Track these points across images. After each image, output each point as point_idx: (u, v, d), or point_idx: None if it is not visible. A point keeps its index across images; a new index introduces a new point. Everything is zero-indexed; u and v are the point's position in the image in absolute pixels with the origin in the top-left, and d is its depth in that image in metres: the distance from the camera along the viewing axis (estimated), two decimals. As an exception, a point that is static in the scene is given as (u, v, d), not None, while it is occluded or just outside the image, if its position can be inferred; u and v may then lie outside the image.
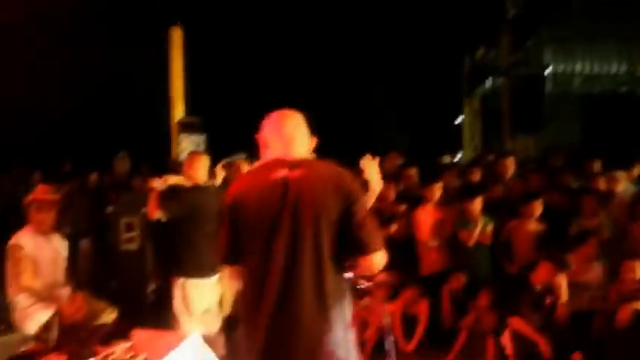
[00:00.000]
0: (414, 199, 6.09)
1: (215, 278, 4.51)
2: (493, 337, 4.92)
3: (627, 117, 11.02)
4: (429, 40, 13.40)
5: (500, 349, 4.83)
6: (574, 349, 4.70)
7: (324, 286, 2.23)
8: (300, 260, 2.21)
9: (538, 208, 5.60)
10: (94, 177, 7.17)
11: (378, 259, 2.31)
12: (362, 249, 2.27)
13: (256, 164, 2.54)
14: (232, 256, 2.33)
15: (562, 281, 4.93)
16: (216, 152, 8.17)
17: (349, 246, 2.27)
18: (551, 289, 4.91)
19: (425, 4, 12.74)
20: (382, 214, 5.77)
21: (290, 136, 2.43)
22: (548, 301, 4.88)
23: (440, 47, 13.51)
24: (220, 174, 5.04)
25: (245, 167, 5.47)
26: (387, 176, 6.42)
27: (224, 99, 10.45)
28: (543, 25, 11.43)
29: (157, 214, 4.43)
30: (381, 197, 5.85)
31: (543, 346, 4.58)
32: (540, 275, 4.88)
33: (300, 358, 2.20)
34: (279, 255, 2.22)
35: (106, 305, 4.31)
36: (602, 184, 5.99)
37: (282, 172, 2.29)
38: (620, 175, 6.10)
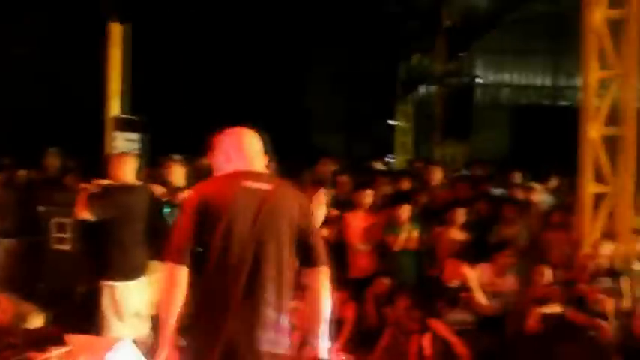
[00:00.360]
0: (346, 205, 6.29)
1: (144, 280, 4.48)
2: (416, 337, 5.17)
3: (550, 127, 11.64)
4: (365, 44, 13.70)
5: (420, 350, 5.09)
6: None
7: (283, 291, 2.47)
8: (264, 266, 2.42)
9: (461, 216, 5.92)
10: (22, 173, 6.96)
11: (326, 272, 2.55)
12: (314, 261, 2.51)
13: (220, 173, 2.67)
14: (186, 257, 2.41)
15: (470, 273, 5.20)
16: (158, 152, 8.15)
17: (303, 258, 2.52)
18: (464, 286, 5.21)
19: (364, 8, 13.00)
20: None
21: (252, 153, 2.62)
22: (463, 295, 5.18)
23: (376, 51, 13.84)
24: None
25: (179, 169, 5.51)
26: (321, 181, 6.64)
27: (167, 98, 10.36)
28: (476, 38, 11.92)
29: (84, 214, 4.44)
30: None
31: (459, 347, 4.86)
32: (449, 272, 5.16)
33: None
34: (246, 260, 2.40)
35: (33, 307, 4.24)
36: (520, 195, 6.38)
37: (255, 184, 2.49)
38: (536, 186, 6.52)
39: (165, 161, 5.63)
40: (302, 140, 13.99)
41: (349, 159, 9.66)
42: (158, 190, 4.97)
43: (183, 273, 2.36)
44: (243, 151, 2.61)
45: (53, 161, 7.13)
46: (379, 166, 8.42)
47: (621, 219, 5.58)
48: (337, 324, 5.53)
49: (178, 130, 10.27)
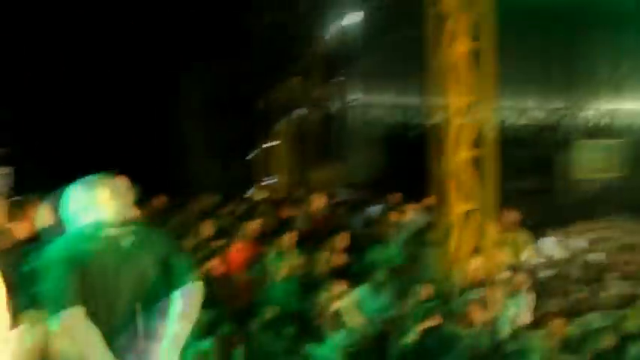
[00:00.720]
0: (229, 235, 6.25)
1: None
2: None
3: (419, 148, 12.20)
4: (240, 67, 13.68)
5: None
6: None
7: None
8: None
9: (342, 241, 6.09)
10: None
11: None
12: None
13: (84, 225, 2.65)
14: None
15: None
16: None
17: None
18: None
19: (240, 31, 13.04)
20: (200, 250, 5.88)
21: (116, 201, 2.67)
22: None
23: (251, 74, 13.87)
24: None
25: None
26: (204, 215, 6.56)
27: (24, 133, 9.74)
28: (352, 61, 12.30)
29: None
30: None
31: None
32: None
33: None
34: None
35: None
36: (394, 216, 6.69)
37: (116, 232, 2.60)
38: (409, 207, 6.86)
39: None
40: (179, 167, 13.69)
41: (227, 184, 9.59)
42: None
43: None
44: (107, 200, 2.66)
45: None
46: (259, 194, 8.46)
47: (487, 234, 5.98)
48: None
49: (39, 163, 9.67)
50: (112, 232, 2.60)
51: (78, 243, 2.57)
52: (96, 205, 2.64)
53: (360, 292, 5.69)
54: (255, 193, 8.13)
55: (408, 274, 5.87)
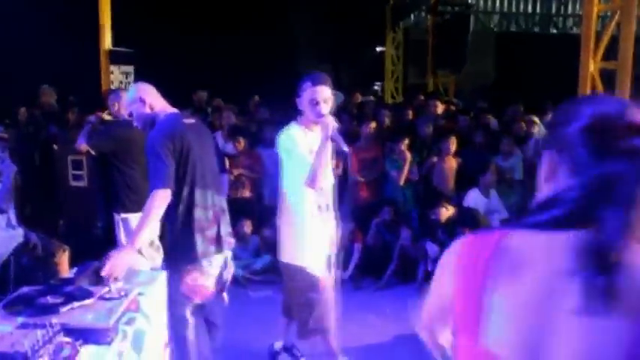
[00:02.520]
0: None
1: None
2: (421, 263, 5.47)
3: (538, 56, 11.71)
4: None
5: (428, 274, 5.40)
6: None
7: None
8: None
9: (453, 144, 6.13)
10: (22, 111, 6.95)
11: None
12: None
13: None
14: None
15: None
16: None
17: None
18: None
19: None
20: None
21: None
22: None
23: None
24: None
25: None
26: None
27: (150, 31, 10.15)
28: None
29: (83, 147, 4.61)
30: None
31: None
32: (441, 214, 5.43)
33: None
34: None
35: (59, 244, 4.37)
36: (520, 127, 6.56)
37: None
38: (536, 119, 6.69)
39: None
40: (288, 69, 13.86)
41: (337, 87, 9.69)
42: None
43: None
44: None
45: (49, 96, 7.12)
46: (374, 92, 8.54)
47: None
48: (346, 253, 5.86)
49: (163, 63, 10.14)
50: None
51: None
52: None
53: (472, 194, 5.80)
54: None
55: (529, 187, 5.86)
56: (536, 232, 0.98)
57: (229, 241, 3.54)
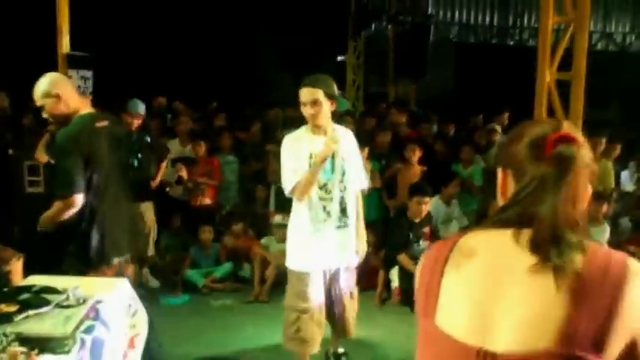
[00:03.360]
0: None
1: None
2: (383, 272, 5.50)
3: (496, 67, 11.97)
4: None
5: (388, 283, 5.43)
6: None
7: None
8: None
9: (418, 152, 6.22)
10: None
11: None
12: None
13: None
14: None
15: (426, 207, 5.52)
16: (102, 90, 7.96)
17: None
18: (427, 219, 5.54)
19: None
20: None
21: None
22: (426, 230, 5.52)
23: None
24: None
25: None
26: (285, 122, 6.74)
27: (110, 33, 9.98)
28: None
29: (43, 158, 4.53)
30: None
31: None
32: (412, 210, 5.46)
33: None
34: None
35: (12, 252, 4.24)
36: (481, 136, 6.70)
37: None
38: (498, 127, 6.84)
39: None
40: (248, 76, 13.80)
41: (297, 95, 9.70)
42: None
43: None
44: None
45: (1, 102, 6.96)
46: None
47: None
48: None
49: (122, 68, 9.99)
50: None
51: None
52: None
53: (434, 201, 5.87)
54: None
55: (489, 193, 5.97)
56: (488, 231, 1.17)
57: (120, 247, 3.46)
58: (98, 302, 2.75)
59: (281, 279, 5.60)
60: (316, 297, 3.47)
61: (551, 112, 5.89)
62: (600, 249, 1.10)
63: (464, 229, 1.28)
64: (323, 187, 3.40)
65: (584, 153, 1.16)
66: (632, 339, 1.03)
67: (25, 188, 5.32)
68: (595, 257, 1.06)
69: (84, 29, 8.08)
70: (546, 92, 5.81)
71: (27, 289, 2.74)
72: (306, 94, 3.34)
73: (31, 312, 2.41)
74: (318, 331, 3.49)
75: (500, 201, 1.25)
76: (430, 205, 5.56)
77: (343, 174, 3.44)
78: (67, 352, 2.30)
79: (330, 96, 3.37)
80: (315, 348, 3.53)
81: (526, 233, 1.11)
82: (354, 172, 3.52)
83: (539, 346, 1.01)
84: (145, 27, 10.78)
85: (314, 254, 3.45)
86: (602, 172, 6.41)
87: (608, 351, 1.01)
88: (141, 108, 5.37)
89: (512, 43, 13.56)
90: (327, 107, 3.36)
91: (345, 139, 3.50)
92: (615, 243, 5.52)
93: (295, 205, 3.49)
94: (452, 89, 12.66)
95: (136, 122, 5.33)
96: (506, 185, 1.23)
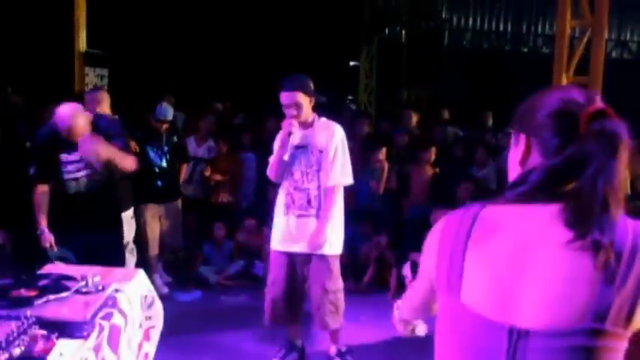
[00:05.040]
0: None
1: (130, 212, 4.68)
2: (395, 269, 5.50)
3: (510, 73, 11.95)
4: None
5: (402, 280, 5.43)
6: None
7: None
8: None
9: (433, 154, 6.22)
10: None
11: None
12: None
13: None
14: None
15: None
16: (118, 87, 8.03)
17: None
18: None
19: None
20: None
21: None
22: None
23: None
24: None
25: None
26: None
27: (125, 32, 10.05)
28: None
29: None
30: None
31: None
32: (437, 219, 5.45)
33: None
34: None
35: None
36: (493, 139, 6.68)
37: None
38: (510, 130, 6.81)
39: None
40: (264, 81, 13.84)
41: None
42: None
43: None
44: None
45: (15, 98, 7.04)
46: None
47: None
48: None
49: (138, 66, 10.06)
50: None
51: None
52: None
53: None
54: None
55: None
56: (512, 204, 1.12)
57: None
58: (116, 291, 2.76)
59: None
60: (279, 273, 3.76)
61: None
62: (628, 221, 1.07)
63: (483, 201, 1.17)
64: (291, 175, 3.63)
65: (625, 129, 1.10)
66: None
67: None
68: (626, 232, 1.04)
69: (101, 27, 8.17)
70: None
71: (46, 276, 2.76)
72: (286, 97, 3.59)
73: (51, 297, 2.42)
74: (281, 306, 3.78)
75: (518, 169, 1.19)
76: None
77: (312, 166, 3.61)
78: (86, 336, 2.30)
79: (308, 94, 3.62)
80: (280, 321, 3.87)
81: (562, 208, 1.06)
82: (332, 167, 3.62)
83: (572, 322, 0.99)
84: (161, 25, 10.86)
85: (280, 234, 3.73)
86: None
87: (634, 323, 1.00)
88: (169, 113, 5.44)
89: (526, 50, 13.53)
90: (307, 105, 3.62)
91: (328, 132, 3.66)
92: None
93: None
94: (465, 95, 12.64)
95: (165, 126, 5.41)
96: (528, 154, 1.16)
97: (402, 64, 11.89)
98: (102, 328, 2.44)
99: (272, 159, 3.69)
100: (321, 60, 14.76)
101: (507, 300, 1.04)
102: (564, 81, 5.74)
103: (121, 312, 2.72)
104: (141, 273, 3.26)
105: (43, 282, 2.57)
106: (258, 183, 6.66)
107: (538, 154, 1.13)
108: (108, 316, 2.55)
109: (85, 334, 2.31)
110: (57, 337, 2.22)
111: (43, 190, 3.85)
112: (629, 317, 0.99)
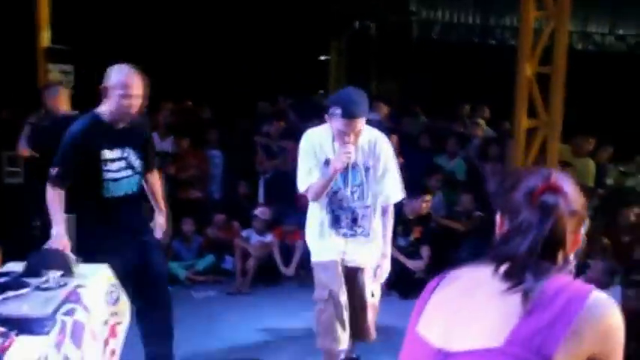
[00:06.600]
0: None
1: None
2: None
3: (478, 65, 12.04)
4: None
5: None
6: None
7: None
8: None
9: (394, 141, 6.24)
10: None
11: None
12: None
13: None
14: None
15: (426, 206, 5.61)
16: (82, 83, 7.89)
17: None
18: (425, 219, 5.61)
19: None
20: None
21: None
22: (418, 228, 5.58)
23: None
24: None
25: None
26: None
27: (91, 27, 9.88)
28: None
29: (26, 151, 4.50)
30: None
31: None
32: (412, 206, 5.52)
33: None
34: None
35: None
36: (462, 128, 6.75)
37: None
38: (480, 121, 6.89)
39: None
40: (231, 76, 13.78)
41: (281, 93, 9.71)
42: None
43: None
44: None
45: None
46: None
47: (551, 151, 6.01)
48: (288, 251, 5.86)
49: (104, 62, 9.90)
50: None
51: None
52: None
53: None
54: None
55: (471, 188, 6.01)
56: (477, 266, 1.34)
57: None
58: (79, 286, 2.73)
59: (261, 271, 5.67)
60: (336, 285, 3.27)
61: (531, 106, 5.95)
62: (569, 279, 1.25)
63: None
64: (334, 195, 3.24)
65: (570, 201, 1.29)
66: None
67: (3, 179, 5.26)
68: (557, 281, 1.22)
69: (65, 23, 8.01)
70: (527, 86, 5.87)
71: (5, 274, 2.71)
72: (349, 125, 3.04)
73: (10, 293, 2.38)
74: (340, 325, 3.29)
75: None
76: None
77: (359, 184, 3.24)
78: (47, 332, 2.27)
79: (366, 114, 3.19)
80: (339, 343, 3.30)
81: (504, 267, 1.27)
82: (382, 184, 3.29)
83: (487, 344, 1.19)
84: (126, 20, 10.69)
85: (328, 243, 3.32)
86: (582, 170, 6.48)
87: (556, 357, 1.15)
88: None
89: (493, 42, 13.66)
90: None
91: (373, 145, 3.25)
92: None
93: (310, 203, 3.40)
94: (434, 86, 12.71)
95: None
96: (502, 227, 1.37)
97: (372, 58, 11.91)
98: (64, 324, 2.40)
99: (311, 177, 3.20)
100: (291, 55, 14.76)
101: (446, 330, 1.28)
102: (528, 71, 5.81)
103: (85, 308, 2.68)
104: (105, 268, 3.22)
105: (1, 279, 2.52)
106: (226, 179, 6.64)
107: (506, 227, 1.35)
108: (70, 312, 2.52)
109: (45, 330, 2.28)
110: (16, 334, 2.18)
111: (61, 192, 3.34)
112: (544, 351, 1.14)
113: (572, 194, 1.31)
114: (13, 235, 4.66)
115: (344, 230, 3.28)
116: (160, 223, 3.69)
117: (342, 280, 3.29)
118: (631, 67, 11.76)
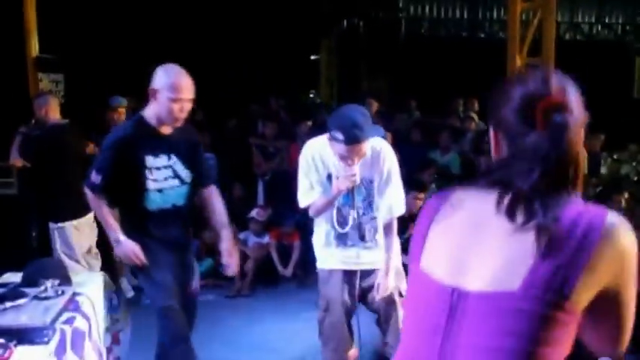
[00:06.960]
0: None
1: (91, 216, 4.44)
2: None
3: (468, 59, 12.06)
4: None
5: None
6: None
7: None
8: None
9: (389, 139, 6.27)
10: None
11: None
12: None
13: None
14: None
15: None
16: (72, 92, 7.87)
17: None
18: (415, 217, 5.59)
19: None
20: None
21: None
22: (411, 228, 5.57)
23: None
24: None
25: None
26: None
27: (80, 36, 9.84)
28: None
29: (19, 161, 4.48)
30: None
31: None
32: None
33: None
34: None
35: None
36: (457, 122, 6.77)
37: None
38: (473, 115, 6.92)
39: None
40: (223, 78, 13.75)
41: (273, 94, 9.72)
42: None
43: None
44: None
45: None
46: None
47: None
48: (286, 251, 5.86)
49: (95, 71, 9.87)
50: None
51: None
52: None
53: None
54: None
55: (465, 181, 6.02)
56: (477, 189, 1.23)
57: None
58: (77, 294, 2.72)
59: (260, 272, 5.66)
60: (335, 296, 3.16)
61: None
62: (580, 205, 1.14)
63: (462, 184, 1.29)
64: (338, 210, 3.08)
65: (576, 116, 1.16)
66: (601, 291, 1.10)
67: (-5, 189, 5.25)
68: (570, 212, 1.11)
69: (54, 32, 7.99)
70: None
71: (3, 285, 2.70)
72: (355, 150, 2.84)
73: (8, 304, 2.37)
74: (339, 335, 3.20)
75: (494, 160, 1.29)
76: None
77: (364, 199, 3.09)
78: (47, 342, 2.26)
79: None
80: (338, 353, 3.20)
81: (507, 199, 1.15)
82: (385, 194, 3.12)
83: (504, 287, 1.10)
84: (115, 27, 10.66)
85: (332, 251, 3.16)
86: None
87: (574, 299, 1.08)
88: (123, 100, 5.37)
89: (482, 35, 13.69)
90: None
91: (376, 159, 3.06)
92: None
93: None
94: (424, 82, 12.73)
95: (122, 117, 5.32)
96: (498, 146, 1.25)
97: (362, 56, 11.93)
98: (64, 333, 2.40)
99: (314, 192, 3.04)
100: (282, 55, 14.76)
101: (457, 267, 1.17)
102: (518, 62, 5.85)
103: (85, 316, 2.69)
104: (104, 276, 3.22)
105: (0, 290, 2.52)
106: (220, 181, 6.61)
107: (505, 146, 1.22)
108: (70, 321, 2.52)
109: (45, 339, 2.27)
110: (15, 345, 2.17)
111: (103, 199, 3.05)
112: (562, 290, 1.07)
113: (575, 101, 1.17)
114: (10, 245, 4.64)
115: (351, 243, 3.13)
116: (226, 249, 3.21)
117: (347, 288, 3.17)
118: (619, 55, 11.82)
